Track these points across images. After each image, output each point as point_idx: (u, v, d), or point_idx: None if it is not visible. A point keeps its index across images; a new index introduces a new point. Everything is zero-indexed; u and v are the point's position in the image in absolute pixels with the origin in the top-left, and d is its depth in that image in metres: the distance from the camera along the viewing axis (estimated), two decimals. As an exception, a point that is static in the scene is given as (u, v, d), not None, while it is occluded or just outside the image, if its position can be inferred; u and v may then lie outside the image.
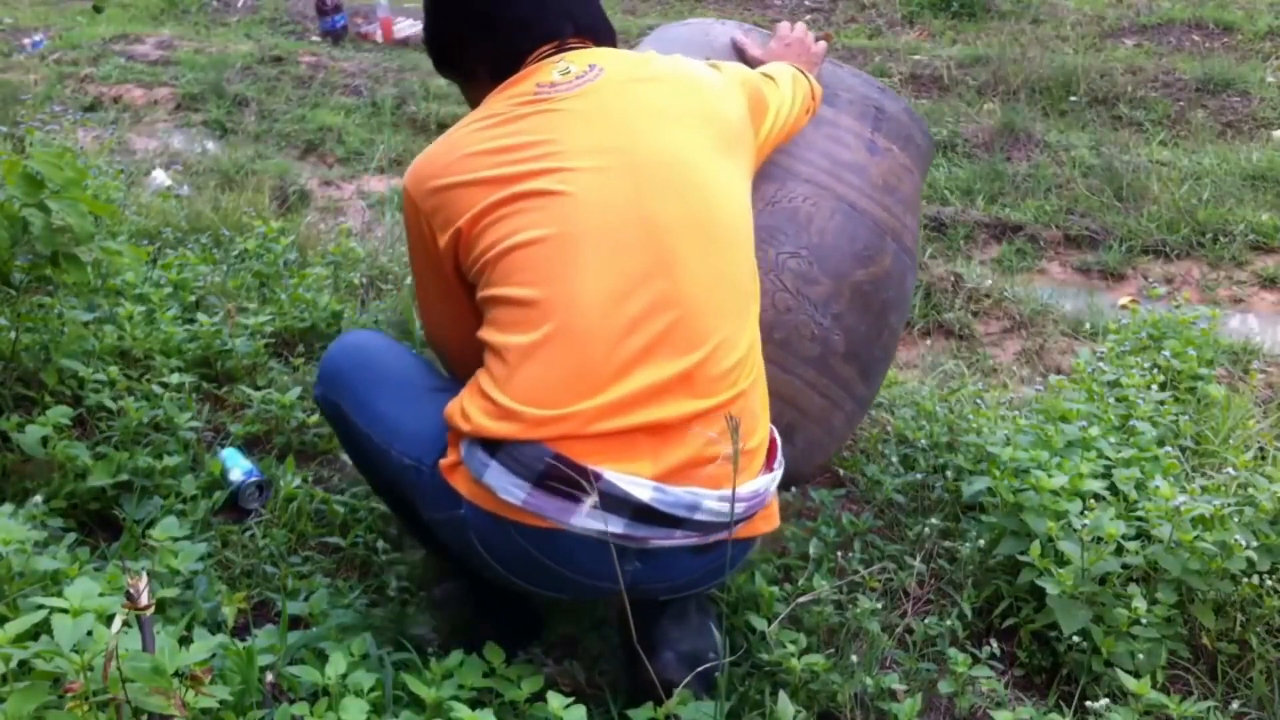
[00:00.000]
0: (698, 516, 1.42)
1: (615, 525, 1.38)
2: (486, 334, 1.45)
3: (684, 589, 1.56)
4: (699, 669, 1.56)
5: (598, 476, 1.36)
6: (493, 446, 1.39)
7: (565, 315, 1.39)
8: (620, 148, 1.46)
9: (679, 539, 1.44)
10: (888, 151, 2.06)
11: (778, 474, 1.56)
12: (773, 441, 1.58)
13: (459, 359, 1.63)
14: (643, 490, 1.38)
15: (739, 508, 1.44)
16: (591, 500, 1.36)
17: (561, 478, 1.37)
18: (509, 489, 1.39)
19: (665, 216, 1.45)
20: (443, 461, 1.47)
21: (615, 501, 1.38)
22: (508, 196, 1.43)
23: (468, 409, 1.43)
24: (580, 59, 1.56)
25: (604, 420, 1.37)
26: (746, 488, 1.47)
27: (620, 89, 1.52)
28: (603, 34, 1.65)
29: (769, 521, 1.58)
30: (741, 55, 2.03)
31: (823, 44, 2.05)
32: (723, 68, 1.69)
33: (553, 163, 1.44)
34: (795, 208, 1.95)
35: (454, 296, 1.56)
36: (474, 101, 1.66)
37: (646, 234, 1.43)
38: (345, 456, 2.30)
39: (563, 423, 1.37)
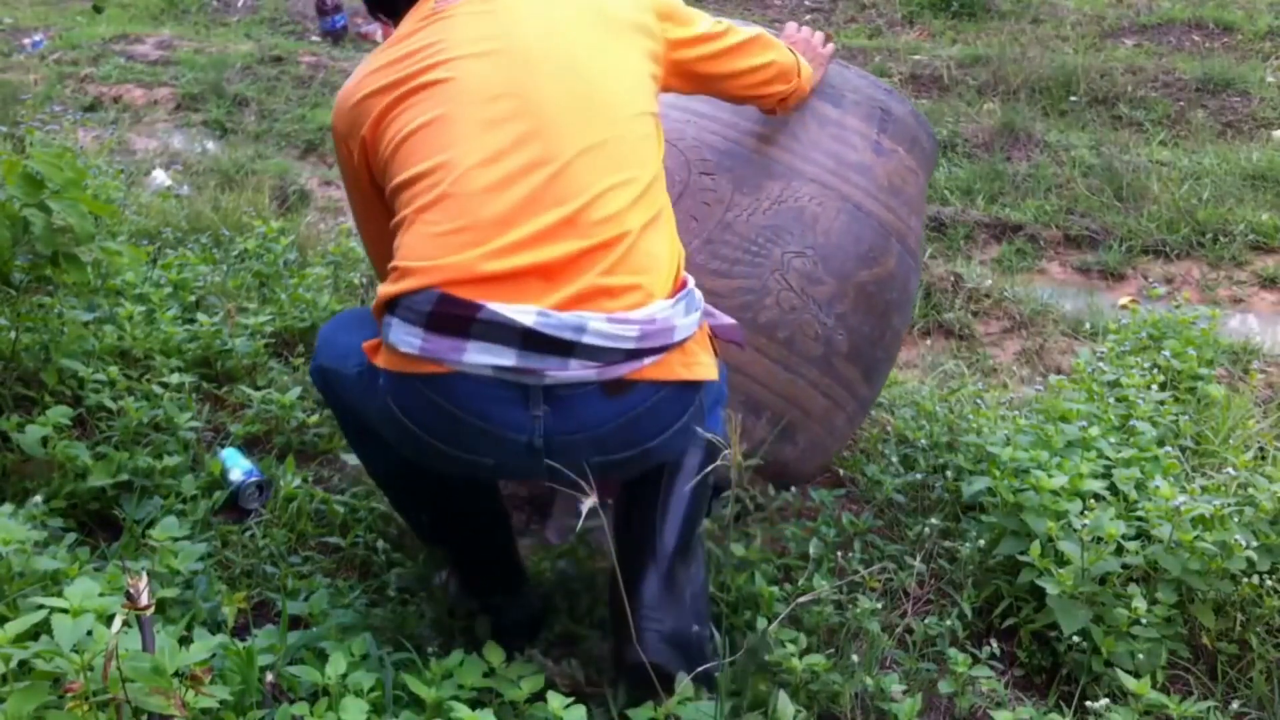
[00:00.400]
0: (586, 339, 1.42)
1: (506, 358, 1.41)
2: (394, 216, 1.52)
3: (608, 444, 1.53)
4: (689, 659, 1.55)
5: (480, 308, 1.40)
6: (392, 305, 1.46)
7: (447, 178, 1.46)
8: (501, 34, 1.55)
9: (576, 369, 1.43)
10: (893, 153, 2.06)
11: (687, 307, 1.52)
12: (682, 280, 1.57)
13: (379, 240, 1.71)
14: (526, 316, 1.41)
15: (631, 331, 1.44)
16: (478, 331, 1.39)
17: (448, 315, 1.41)
18: (406, 339, 1.44)
19: (543, 89, 1.52)
20: (366, 344, 1.53)
21: (501, 330, 1.41)
22: (400, 95, 1.53)
23: (380, 287, 1.50)
24: None
25: (490, 262, 1.43)
26: (640, 312, 1.45)
27: None
28: None
29: (690, 367, 1.53)
30: None
31: (831, 46, 2.06)
32: None
33: (438, 58, 1.54)
34: (801, 207, 1.95)
35: (375, 210, 1.64)
36: None
37: (523, 103, 1.50)
38: (345, 457, 2.31)
39: (449, 270, 1.43)
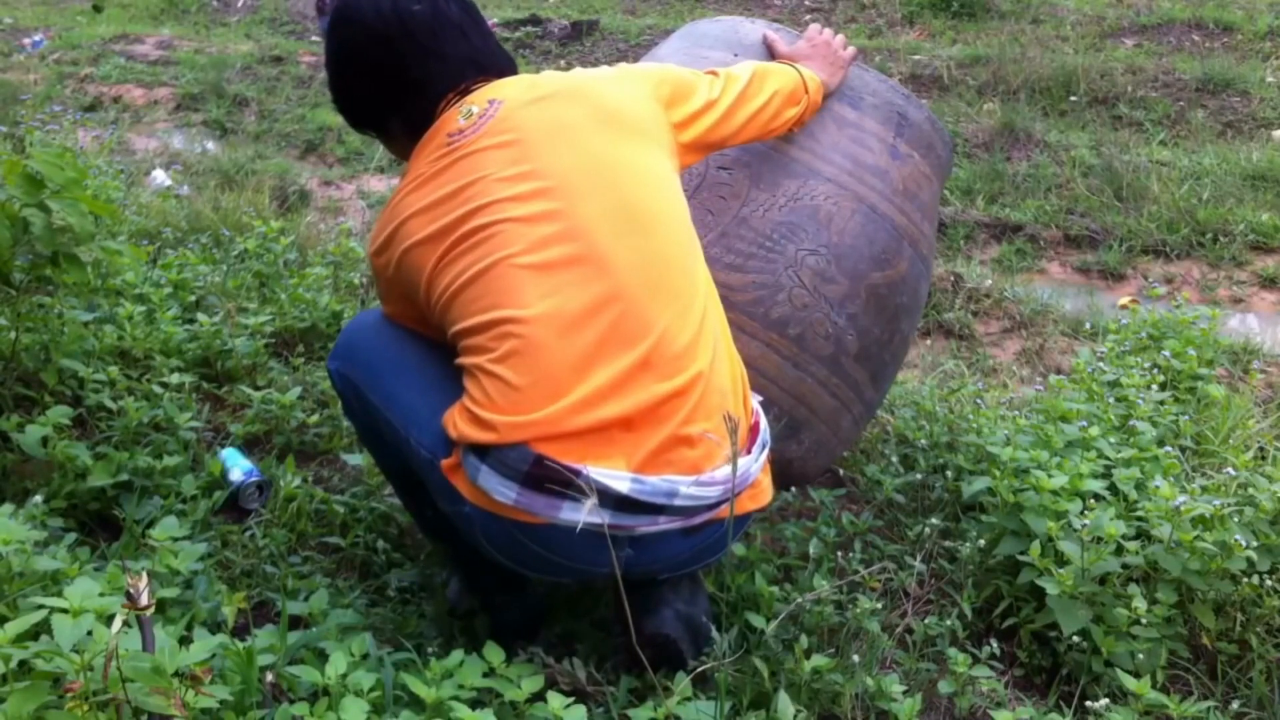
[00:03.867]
0: (677, 503, 1.49)
1: (600, 517, 1.45)
2: (461, 360, 1.54)
3: (679, 568, 1.62)
4: (698, 647, 1.64)
5: (578, 473, 1.44)
6: (481, 451, 1.48)
7: (517, 330, 1.48)
8: (534, 169, 1.55)
9: (664, 524, 1.51)
10: (909, 158, 2.07)
11: (759, 455, 1.61)
12: (755, 422, 1.64)
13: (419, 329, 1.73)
14: (621, 483, 1.45)
15: (716, 491, 1.51)
16: (590, 502, 1.42)
17: (546, 477, 1.45)
18: (500, 490, 1.47)
19: (586, 218, 1.52)
20: (445, 462, 1.54)
21: (598, 494, 1.44)
22: (448, 246, 1.54)
23: (456, 419, 1.52)
24: (480, 98, 1.64)
25: (576, 417, 1.46)
26: (723, 471, 1.52)
27: (521, 113, 1.60)
28: (505, 69, 1.74)
29: (756, 499, 1.63)
30: (770, 52, 2.05)
31: (852, 49, 2.06)
32: (625, 68, 1.76)
33: (480, 201, 1.54)
34: (817, 206, 1.95)
35: (426, 326, 1.67)
36: (393, 149, 1.79)
37: (574, 241, 1.51)
38: (345, 457, 2.31)
39: (537, 426, 1.45)
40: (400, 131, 1.71)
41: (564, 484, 1.44)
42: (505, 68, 1.73)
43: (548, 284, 1.49)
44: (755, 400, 1.68)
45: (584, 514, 1.43)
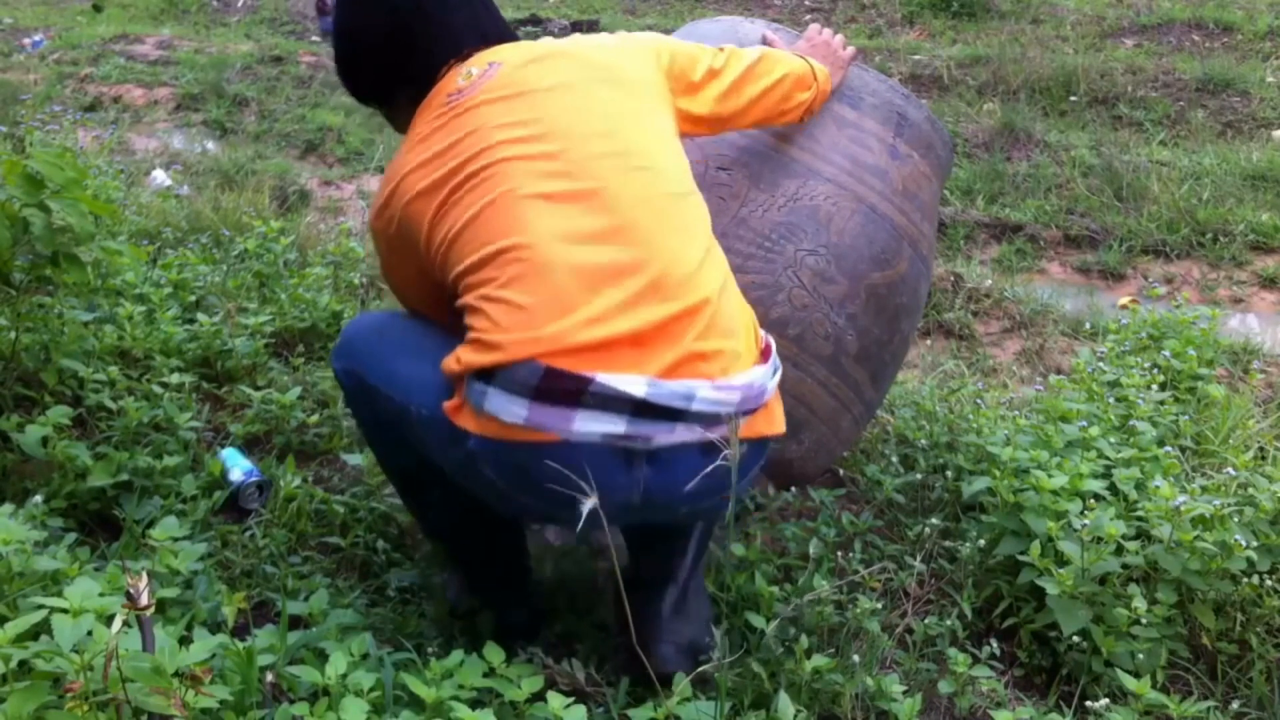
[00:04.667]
0: (695, 406, 1.46)
1: (616, 426, 1.43)
2: (463, 300, 1.52)
3: (699, 501, 1.56)
4: (700, 664, 1.60)
5: (590, 380, 1.42)
6: (487, 375, 1.45)
7: (522, 254, 1.47)
8: (534, 116, 1.56)
9: (682, 434, 1.47)
10: (909, 158, 2.07)
11: (773, 369, 1.59)
12: (766, 343, 1.62)
13: (431, 311, 1.73)
14: (637, 386, 1.43)
15: (734, 397, 1.49)
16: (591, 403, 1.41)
17: (556, 387, 1.42)
18: (509, 409, 1.44)
19: (593, 160, 1.54)
20: (447, 404, 1.52)
21: (612, 401, 1.43)
22: (448, 193, 1.54)
23: (459, 354, 1.50)
24: (479, 61, 1.66)
25: (585, 331, 1.44)
26: (740, 378, 1.50)
27: (520, 72, 1.62)
28: (506, 39, 1.75)
29: (771, 423, 1.60)
30: None
31: (852, 49, 2.06)
32: (625, 35, 1.76)
33: (479, 146, 1.55)
34: (816, 206, 1.95)
35: (430, 287, 1.65)
36: (397, 123, 1.79)
37: (577, 176, 1.52)
38: (345, 457, 2.31)
39: (545, 341, 1.43)
40: (406, 102, 1.70)
41: (575, 394, 1.42)
42: (506, 38, 1.75)
43: (552, 213, 1.49)
44: (765, 334, 1.66)
45: (601, 424, 1.41)
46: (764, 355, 1.59)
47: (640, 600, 1.64)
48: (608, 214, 1.50)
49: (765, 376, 1.55)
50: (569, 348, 1.43)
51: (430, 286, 1.64)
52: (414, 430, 1.61)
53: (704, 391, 1.46)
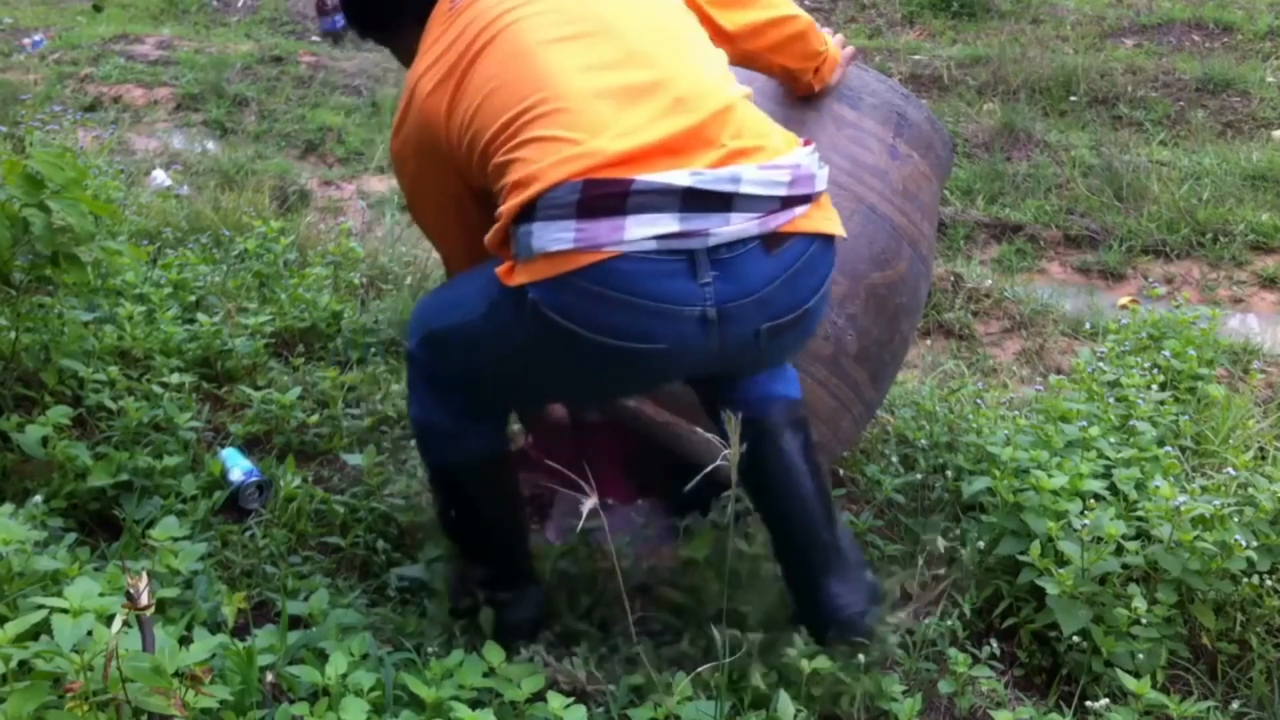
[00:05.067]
0: (744, 189, 1.43)
1: (668, 224, 1.41)
2: (495, 162, 1.49)
3: (776, 311, 1.52)
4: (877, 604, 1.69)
5: (631, 181, 1.40)
6: (528, 213, 1.43)
7: (546, 97, 1.47)
8: None
9: (738, 223, 1.44)
10: (909, 158, 2.07)
11: (821, 164, 1.56)
12: (807, 139, 1.60)
13: (468, 248, 1.69)
14: (681, 177, 1.41)
15: (783, 176, 1.47)
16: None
17: (600, 195, 1.40)
18: (556, 237, 1.41)
19: (599, 11, 1.56)
20: (499, 269, 1.49)
21: (659, 196, 1.41)
22: (459, 76, 1.54)
23: (498, 213, 1.47)
24: None
25: (618, 143, 1.43)
26: (786, 158, 1.49)
27: None
28: None
29: (830, 221, 1.56)
30: None
31: (851, 49, 2.06)
32: None
33: (482, 23, 1.55)
34: None
35: (462, 208, 1.64)
36: (403, 54, 1.76)
37: (579, 21, 1.54)
38: (345, 457, 2.30)
39: (579, 160, 1.42)
40: (413, 27, 1.69)
41: (620, 197, 1.39)
42: None
43: (564, 52, 1.50)
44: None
45: (653, 225, 1.39)
46: (806, 144, 1.58)
47: (806, 574, 1.67)
48: (618, 44, 1.52)
49: (812, 161, 1.53)
50: (604, 161, 1.41)
51: (462, 208, 1.62)
52: (482, 339, 1.57)
53: (750, 173, 1.44)
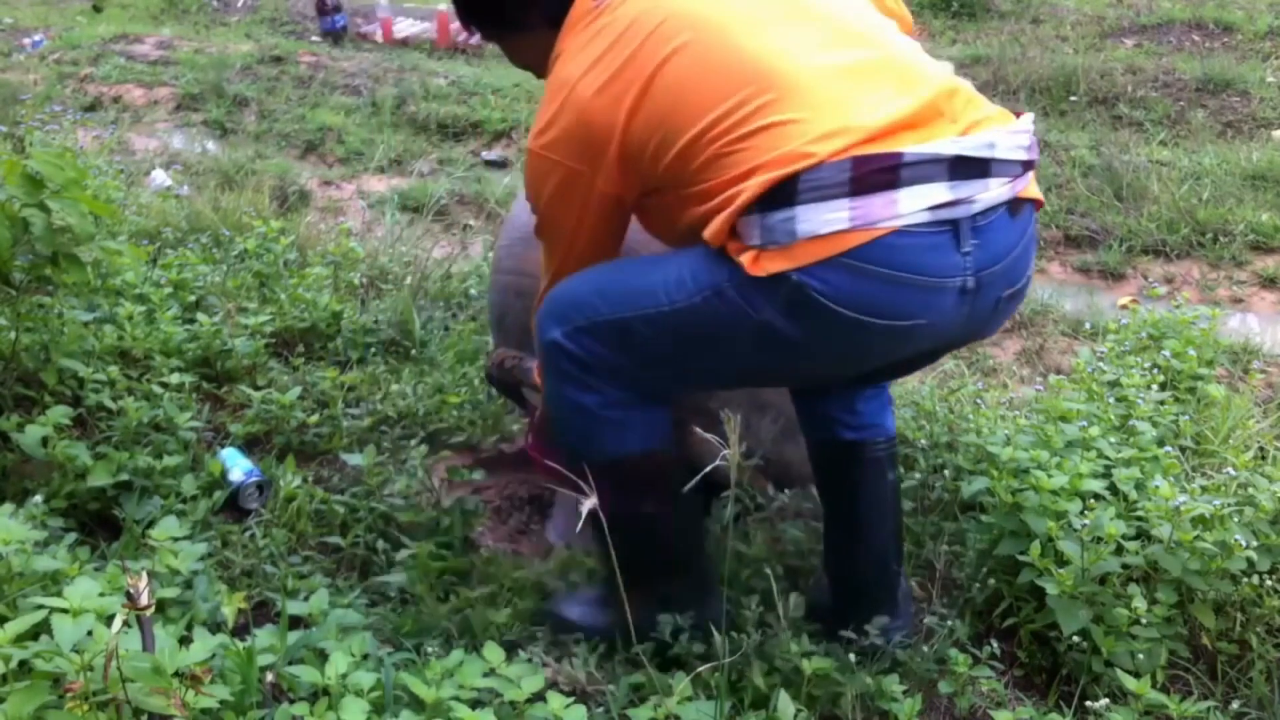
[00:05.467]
0: (999, 154, 1.45)
1: (939, 194, 1.41)
2: (709, 155, 1.45)
3: (1018, 274, 1.55)
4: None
5: (901, 154, 1.40)
6: (786, 197, 1.39)
7: (763, 82, 1.44)
8: None
9: (995, 189, 1.45)
10: None
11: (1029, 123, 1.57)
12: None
13: (605, 253, 1.66)
14: (946, 146, 1.41)
15: (1026, 140, 1.49)
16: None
17: (874, 170, 1.39)
18: (829, 218, 1.39)
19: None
20: (744, 259, 1.43)
21: (929, 167, 1.41)
22: (644, 74, 1.48)
23: (733, 194, 1.42)
24: None
25: (871, 118, 1.41)
26: (1020, 123, 1.51)
27: None
28: None
29: (1035, 188, 1.58)
30: None
31: None
32: None
33: (650, 25, 1.50)
34: None
35: (608, 214, 1.59)
36: (524, 57, 1.74)
37: (796, 13, 1.52)
38: (345, 457, 2.30)
39: (835, 137, 1.40)
40: (540, 23, 1.65)
41: (893, 170, 1.38)
42: None
43: (773, 35, 1.48)
44: None
45: (925, 196, 1.39)
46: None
47: (856, 594, 1.74)
48: (823, 24, 1.51)
49: (1030, 123, 1.54)
50: (867, 137, 1.40)
51: (608, 213, 1.58)
52: (681, 335, 1.52)
53: (1002, 138, 1.46)
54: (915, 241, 1.42)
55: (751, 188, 1.40)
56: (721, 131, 1.44)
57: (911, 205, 1.40)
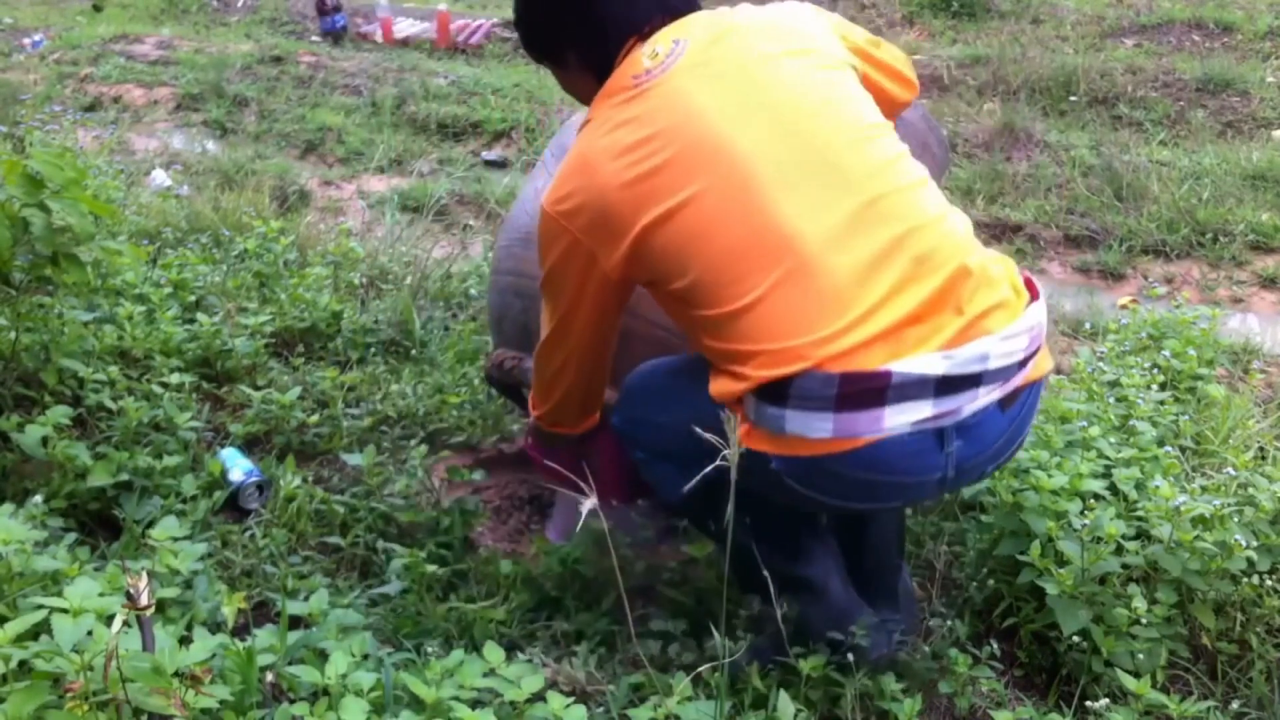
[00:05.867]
0: (991, 365, 1.46)
1: (923, 411, 1.43)
2: (712, 311, 1.48)
3: (998, 456, 1.60)
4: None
5: (889, 374, 1.40)
6: (778, 396, 1.43)
7: (781, 258, 1.44)
8: (737, 96, 1.52)
9: (984, 396, 1.47)
10: None
11: (1043, 301, 1.58)
12: (1025, 276, 1.60)
13: (598, 335, 1.68)
14: (935, 365, 1.42)
15: (1022, 344, 1.49)
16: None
17: (860, 391, 1.41)
18: (815, 426, 1.43)
19: (810, 133, 1.51)
20: (741, 433, 1.46)
21: (915, 387, 1.42)
22: (678, 200, 1.48)
23: (734, 371, 1.47)
24: (664, 38, 1.60)
25: (868, 323, 1.42)
26: (1023, 322, 1.50)
27: (712, 49, 1.57)
28: (689, 7, 1.68)
29: (1047, 360, 1.60)
30: None
31: None
32: (799, 4, 1.72)
33: (687, 136, 1.50)
34: None
35: (605, 312, 1.63)
36: (569, 87, 1.74)
37: (813, 160, 1.49)
38: (345, 457, 2.30)
39: (831, 342, 1.41)
40: (577, 65, 1.67)
41: (879, 391, 1.40)
42: (690, 7, 1.68)
43: (798, 204, 1.46)
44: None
45: (909, 413, 1.41)
46: (1030, 289, 1.58)
47: (863, 584, 1.73)
48: (850, 193, 1.48)
49: (1040, 312, 1.54)
50: (858, 344, 1.41)
51: (613, 287, 1.59)
52: (704, 459, 1.52)
53: (995, 347, 1.45)
54: (897, 448, 1.46)
55: (750, 378, 1.45)
56: (730, 295, 1.47)
57: (895, 421, 1.43)
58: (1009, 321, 1.48)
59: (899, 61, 1.78)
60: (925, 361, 1.42)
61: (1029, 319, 1.51)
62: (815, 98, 1.54)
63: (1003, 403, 1.52)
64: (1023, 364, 1.51)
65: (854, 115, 1.56)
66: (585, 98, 1.69)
